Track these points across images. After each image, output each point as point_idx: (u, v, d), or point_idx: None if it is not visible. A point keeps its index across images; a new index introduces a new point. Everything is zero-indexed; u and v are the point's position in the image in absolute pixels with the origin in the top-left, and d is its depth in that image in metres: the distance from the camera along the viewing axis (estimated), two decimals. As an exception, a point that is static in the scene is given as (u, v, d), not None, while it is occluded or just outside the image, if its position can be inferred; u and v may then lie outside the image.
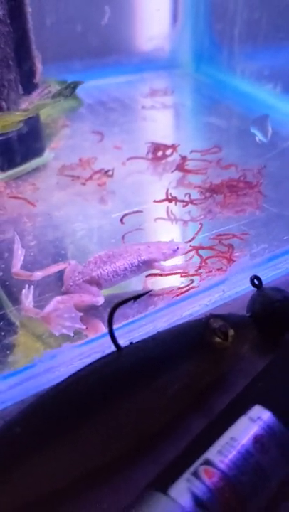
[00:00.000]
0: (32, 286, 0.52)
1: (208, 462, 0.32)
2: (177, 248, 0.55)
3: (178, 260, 0.56)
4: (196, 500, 0.30)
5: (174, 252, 0.55)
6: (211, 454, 0.33)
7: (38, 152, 0.71)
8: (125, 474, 0.37)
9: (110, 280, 0.52)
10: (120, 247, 0.55)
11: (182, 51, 1.07)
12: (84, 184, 0.68)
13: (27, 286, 0.51)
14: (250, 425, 0.34)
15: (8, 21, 0.61)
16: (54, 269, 0.54)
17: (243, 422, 0.35)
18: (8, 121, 0.58)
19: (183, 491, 0.31)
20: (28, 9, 0.63)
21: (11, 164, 0.68)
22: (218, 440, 0.34)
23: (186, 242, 0.57)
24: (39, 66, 0.66)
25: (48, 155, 0.72)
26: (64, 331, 0.48)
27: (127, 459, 0.37)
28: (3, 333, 0.49)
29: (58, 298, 0.50)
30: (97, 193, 0.68)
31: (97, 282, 0.52)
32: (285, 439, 0.34)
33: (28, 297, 0.51)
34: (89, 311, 0.50)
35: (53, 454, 0.35)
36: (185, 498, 0.30)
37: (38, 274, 0.53)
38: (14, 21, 0.62)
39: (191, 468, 0.32)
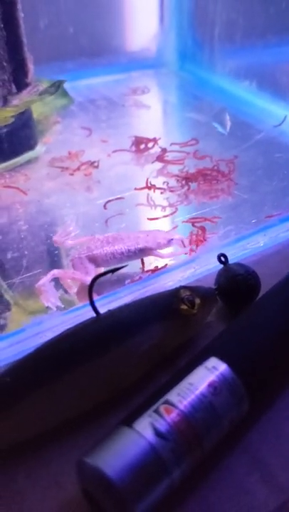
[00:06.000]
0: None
1: (167, 402, 0.38)
2: (172, 239, 0.58)
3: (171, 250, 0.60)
4: (156, 431, 0.36)
5: (169, 242, 0.58)
6: (171, 395, 0.38)
7: (30, 146, 0.76)
8: (100, 420, 0.41)
9: (107, 261, 0.56)
10: (125, 232, 0.59)
11: (167, 51, 1.11)
12: (72, 174, 0.73)
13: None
14: (206, 373, 0.40)
15: (2, 26, 0.66)
16: (82, 240, 0.60)
17: (200, 370, 0.40)
18: (0, 116, 0.63)
19: (145, 424, 0.36)
20: (21, 14, 0.68)
21: (4, 157, 0.73)
22: (178, 385, 0.39)
23: (170, 230, 0.62)
24: (31, 67, 0.70)
25: (39, 149, 0.77)
26: (49, 304, 0.53)
27: (102, 408, 0.42)
28: None
29: (55, 271, 0.55)
30: (84, 182, 0.72)
31: (95, 260, 0.56)
32: (235, 384, 0.40)
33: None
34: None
35: (37, 402, 0.39)
36: (147, 430, 0.36)
37: (70, 243, 0.60)
38: (7, 26, 0.66)
39: (154, 407, 0.38)
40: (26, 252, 0.61)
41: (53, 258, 0.62)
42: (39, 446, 0.40)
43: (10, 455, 0.39)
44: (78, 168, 0.74)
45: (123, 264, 0.51)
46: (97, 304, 0.45)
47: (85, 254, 0.56)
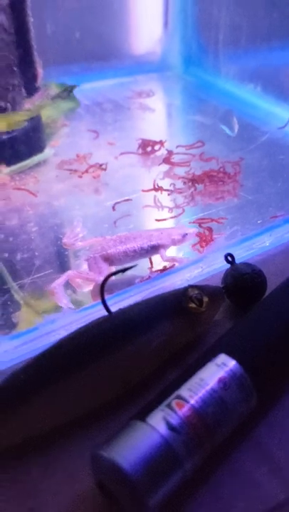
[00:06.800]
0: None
1: (179, 397, 0.39)
2: (186, 234, 0.60)
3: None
4: (169, 425, 0.37)
5: (183, 237, 0.59)
6: (182, 390, 0.40)
7: (39, 149, 0.77)
8: (112, 416, 0.43)
9: (120, 260, 0.57)
10: (137, 231, 0.60)
11: (172, 55, 1.12)
12: (80, 177, 0.74)
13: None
14: (216, 369, 0.41)
15: (12, 31, 0.67)
16: (91, 241, 0.61)
17: (210, 366, 0.41)
18: (13, 120, 0.65)
19: (158, 418, 0.38)
20: (30, 19, 0.69)
21: (15, 160, 0.74)
22: (189, 381, 0.41)
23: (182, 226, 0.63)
24: (40, 71, 0.72)
25: (48, 151, 0.78)
26: (62, 304, 0.54)
27: (114, 404, 0.43)
28: (7, 311, 0.54)
29: (70, 272, 0.57)
30: (92, 184, 0.74)
31: (110, 259, 0.57)
32: (244, 379, 0.41)
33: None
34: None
35: (51, 398, 0.41)
36: (160, 424, 0.37)
37: (79, 244, 0.61)
38: (18, 31, 0.68)
39: (166, 402, 0.39)
40: (37, 253, 0.62)
41: (62, 259, 0.63)
42: (53, 441, 0.41)
43: (24, 449, 0.41)
44: (86, 171, 0.75)
45: (133, 264, 0.52)
46: (109, 303, 0.46)
47: (99, 253, 0.57)
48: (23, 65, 0.70)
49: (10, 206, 0.69)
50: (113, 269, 0.57)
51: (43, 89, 0.70)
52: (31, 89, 0.72)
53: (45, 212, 0.69)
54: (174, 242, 0.59)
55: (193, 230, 0.61)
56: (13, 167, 0.74)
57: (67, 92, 0.69)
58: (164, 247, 0.59)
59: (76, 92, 0.84)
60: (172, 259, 0.59)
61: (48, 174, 0.75)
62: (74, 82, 0.84)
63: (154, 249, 0.58)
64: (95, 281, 0.56)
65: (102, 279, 0.54)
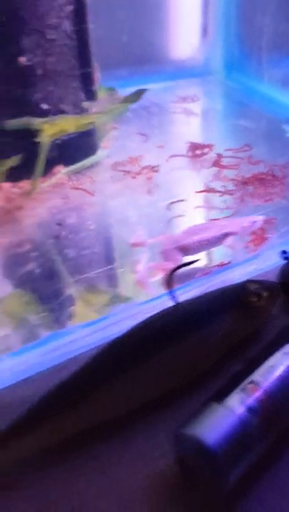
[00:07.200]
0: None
1: (253, 382, 0.42)
2: (255, 221, 0.62)
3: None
4: (244, 407, 0.40)
5: (253, 224, 0.62)
6: (255, 376, 0.42)
7: (92, 151, 0.81)
8: (177, 403, 0.45)
9: (194, 249, 0.60)
10: (207, 221, 0.64)
11: (214, 60, 1.15)
12: (134, 178, 0.77)
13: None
14: (285, 357, 0.44)
15: (74, 36, 0.71)
16: (160, 238, 0.64)
17: (278, 355, 0.44)
18: (81, 122, 0.68)
19: (234, 401, 0.40)
20: (90, 25, 0.73)
21: (72, 161, 0.77)
22: (259, 367, 0.44)
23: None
24: (97, 75, 0.76)
25: (101, 153, 0.81)
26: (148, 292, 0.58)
27: (179, 392, 0.45)
28: (63, 304, 0.57)
29: (151, 264, 0.60)
30: (144, 185, 0.77)
31: (185, 250, 0.60)
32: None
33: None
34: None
35: (121, 385, 0.43)
36: (237, 406, 0.40)
37: (149, 241, 0.64)
38: (79, 36, 0.72)
39: (240, 386, 0.42)
40: (95, 250, 0.65)
41: (120, 256, 0.66)
42: (127, 424, 0.44)
43: (100, 432, 0.43)
44: (140, 172, 0.78)
45: (196, 259, 0.55)
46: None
47: (174, 245, 0.60)
48: (82, 69, 0.73)
49: (69, 205, 0.72)
50: (189, 259, 0.60)
51: (110, 93, 0.73)
52: (89, 92, 0.76)
53: (102, 211, 0.72)
54: (244, 230, 0.62)
55: (261, 217, 0.63)
56: (70, 168, 0.77)
57: (137, 95, 0.72)
58: (234, 234, 0.61)
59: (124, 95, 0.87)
60: (233, 246, 0.62)
61: (102, 175, 0.79)
62: (121, 85, 0.87)
63: (225, 237, 0.61)
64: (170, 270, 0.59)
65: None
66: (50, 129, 0.67)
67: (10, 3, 0.66)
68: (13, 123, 0.67)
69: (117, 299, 0.60)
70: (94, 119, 0.71)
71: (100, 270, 0.63)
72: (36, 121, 0.68)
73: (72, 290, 0.60)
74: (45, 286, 0.60)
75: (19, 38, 0.67)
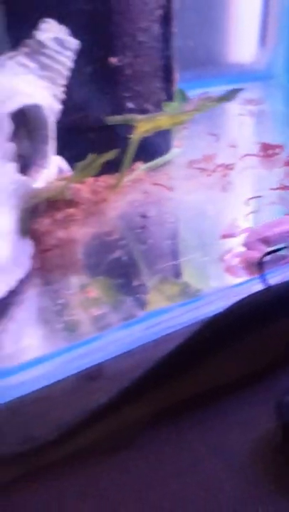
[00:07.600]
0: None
1: None
2: None
3: None
4: None
5: None
6: None
7: (167, 149, 0.85)
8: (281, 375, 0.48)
9: (276, 241, 0.63)
10: (287, 216, 0.67)
11: (276, 64, 1.19)
12: (209, 175, 0.81)
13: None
14: None
15: (161, 39, 0.75)
16: (246, 230, 0.67)
17: None
18: (178, 120, 0.72)
19: None
20: (175, 29, 0.77)
21: (150, 157, 0.81)
22: None
23: None
24: (177, 76, 0.80)
25: (176, 151, 0.85)
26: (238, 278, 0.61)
27: (271, 371, 0.48)
28: (138, 293, 0.60)
29: (237, 253, 0.63)
30: (219, 183, 0.80)
31: (267, 241, 0.63)
32: None
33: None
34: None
35: (225, 357, 0.46)
36: None
37: (238, 232, 0.67)
38: (164, 39, 0.76)
39: None
40: (176, 242, 0.69)
41: (201, 247, 0.69)
42: (234, 392, 0.47)
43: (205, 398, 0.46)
44: (214, 170, 0.81)
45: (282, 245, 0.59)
46: (255, 282, 0.52)
47: (257, 237, 0.64)
48: (165, 70, 0.77)
49: (149, 199, 0.76)
50: None
51: (201, 92, 0.76)
52: (168, 93, 0.80)
53: (179, 206, 0.76)
54: None
55: None
56: (148, 164, 0.81)
57: (233, 94, 0.76)
58: None
59: (190, 96, 0.91)
60: None
61: (177, 172, 0.82)
62: (186, 87, 0.91)
63: None
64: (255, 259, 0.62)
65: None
66: (144, 126, 0.70)
67: (105, 8, 0.70)
68: (114, 119, 0.71)
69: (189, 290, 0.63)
70: (190, 116, 0.75)
71: (178, 261, 0.66)
72: (137, 118, 0.71)
73: (147, 282, 0.63)
74: (129, 274, 0.63)
75: (112, 39, 0.71)
